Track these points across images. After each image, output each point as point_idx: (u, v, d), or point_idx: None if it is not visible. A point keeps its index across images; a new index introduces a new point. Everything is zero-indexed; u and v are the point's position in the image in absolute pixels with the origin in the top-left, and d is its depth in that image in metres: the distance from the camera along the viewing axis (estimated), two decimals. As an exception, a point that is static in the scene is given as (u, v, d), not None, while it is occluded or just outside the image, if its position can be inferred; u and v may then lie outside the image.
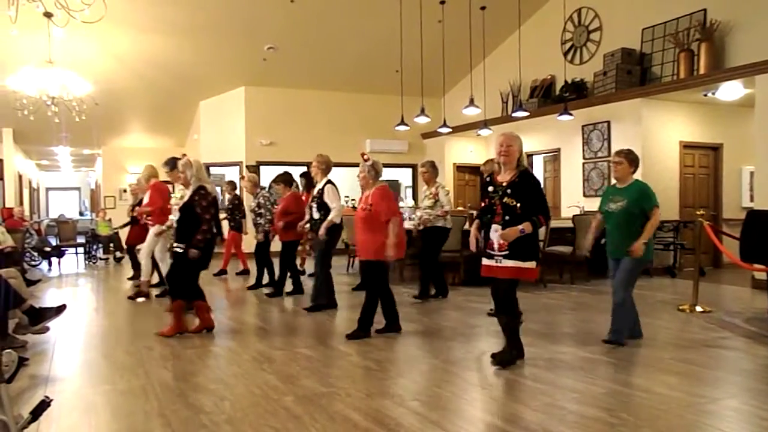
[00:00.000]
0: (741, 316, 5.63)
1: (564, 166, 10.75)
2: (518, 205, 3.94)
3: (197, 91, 12.71)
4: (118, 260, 12.59)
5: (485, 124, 10.29)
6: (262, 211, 7.89)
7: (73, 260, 12.61)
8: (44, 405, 2.51)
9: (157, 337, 5.15)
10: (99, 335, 5.47)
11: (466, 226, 7.52)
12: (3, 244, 7.92)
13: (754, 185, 8.39)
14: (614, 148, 9.67)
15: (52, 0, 6.53)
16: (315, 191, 6.37)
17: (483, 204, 4.17)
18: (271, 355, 4.56)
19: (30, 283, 8.12)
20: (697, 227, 6.36)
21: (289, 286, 7.34)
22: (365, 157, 5.17)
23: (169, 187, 7.81)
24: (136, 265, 9.22)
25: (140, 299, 7.14)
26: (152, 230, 7.20)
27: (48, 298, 7.54)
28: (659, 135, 9.34)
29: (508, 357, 4.09)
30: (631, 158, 4.72)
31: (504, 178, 4.08)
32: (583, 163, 10.21)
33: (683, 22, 8.65)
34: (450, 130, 10.65)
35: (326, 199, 6.13)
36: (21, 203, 14.71)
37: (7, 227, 9.05)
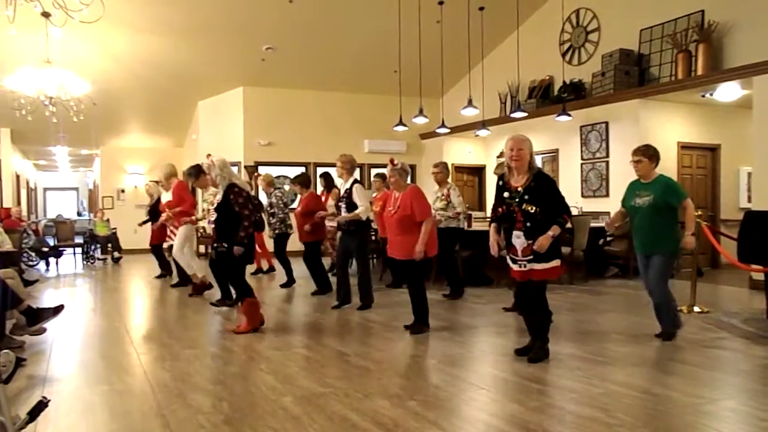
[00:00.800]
0: (739, 317, 5.63)
1: (562, 167, 10.77)
2: (538, 210, 3.97)
3: (195, 91, 12.71)
4: (116, 260, 12.58)
5: (483, 124, 10.30)
6: (275, 210, 7.98)
7: (71, 260, 12.59)
8: (42, 405, 2.51)
9: (154, 338, 5.14)
10: (97, 335, 5.46)
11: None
12: (0, 245, 7.90)
13: (752, 186, 8.41)
14: (612, 149, 9.71)
15: (50, 0, 6.52)
16: (342, 191, 6.45)
17: (501, 210, 4.18)
18: (269, 355, 4.56)
19: (27, 283, 8.12)
20: (694, 228, 6.35)
21: (313, 286, 7.44)
22: (394, 161, 5.32)
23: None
24: (163, 265, 9.26)
25: (206, 292, 7.28)
26: (181, 229, 7.31)
27: (46, 299, 7.53)
28: (657, 136, 9.33)
29: (542, 353, 4.18)
30: (650, 154, 4.77)
31: (518, 182, 4.08)
32: (582, 164, 10.23)
33: (681, 23, 8.66)
34: (448, 130, 10.65)
35: (355, 198, 6.19)
36: (18, 203, 14.68)
37: (4, 227, 9.03)
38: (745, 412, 3.26)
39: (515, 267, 4.19)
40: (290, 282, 8.01)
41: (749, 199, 9.32)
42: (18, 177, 15.56)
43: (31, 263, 11.43)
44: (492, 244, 4.32)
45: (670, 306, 4.76)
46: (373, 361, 4.33)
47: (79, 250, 12.81)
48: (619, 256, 8.86)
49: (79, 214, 24.74)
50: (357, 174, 6.63)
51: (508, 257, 4.26)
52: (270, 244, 8.27)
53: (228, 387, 3.78)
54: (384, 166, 7.17)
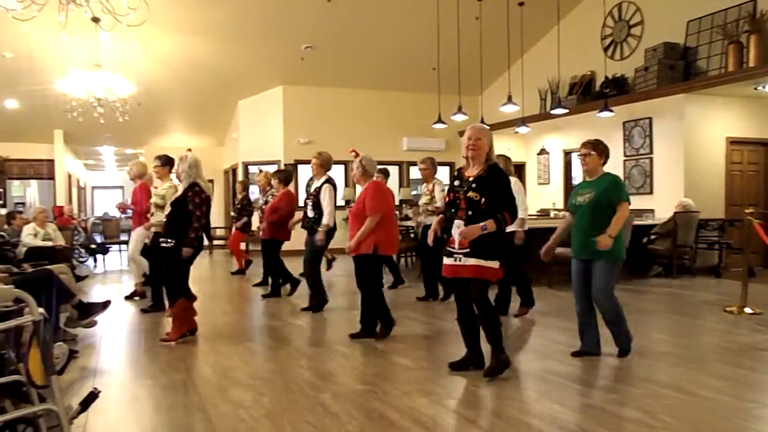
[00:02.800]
0: (792, 319, 5.41)
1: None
2: (483, 200, 3.70)
3: (236, 90, 12.94)
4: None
5: (523, 121, 10.16)
6: None
7: (116, 257, 12.99)
8: (93, 396, 2.60)
9: (197, 333, 5.27)
10: (141, 331, 5.62)
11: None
12: (54, 241, 8.22)
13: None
14: (656, 145, 9.45)
15: (100, 5, 6.74)
16: (312, 189, 6.22)
17: (448, 198, 3.96)
18: (309, 352, 4.62)
19: (78, 279, 8.41)
20: (745, 226, 6.15)
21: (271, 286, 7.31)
22: (354, 153, 5.07)
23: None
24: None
25: (136, 298, 7.14)
26: (137, 230, 7.05)
27: (94, 294, 7.80)
28: (703, 131, 9.06)
29: (500, 365, 3.81)
30: (600, 149, 4.36)
31: (471, 172, 3.86)
32: (624, 161, 9.98)
33: (732, 13, 8.35)
34: (488, 127, 10.54)
35: (322, 200, 5.94)
36: (70, 202, 15.25)
37: (58, 225, 9.40)
38: (799, 418, 3.14)
39: (448, 261, 3.83)
40: (290, 283, 7.66)
41: (804, 196, 8.94)
42: (70, 176, 16.16)
43: (81, 259, 11.85)
44: (430, 232, 4.14)
45: (621, 318, 4.27)
46: (412, 359, 4.33)
47: (124, 247, 13.19)
48: (663, 255, 8.62)
49: (123, 212, 25.46)
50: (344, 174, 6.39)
51: (445, 250, 3.89)
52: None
53: (268, 382, 3.85)
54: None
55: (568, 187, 11.93)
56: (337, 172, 8.91)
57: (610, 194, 4.17)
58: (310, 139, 12.75)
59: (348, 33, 10.75)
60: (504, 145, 13.12)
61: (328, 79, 12.44)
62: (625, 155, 9.96)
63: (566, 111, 9.82)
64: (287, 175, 7.65)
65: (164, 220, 5.24)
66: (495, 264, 3.73)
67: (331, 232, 6.06)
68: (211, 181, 13.01)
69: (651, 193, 9.45)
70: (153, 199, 6.41)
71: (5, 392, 2.48)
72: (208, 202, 5.17)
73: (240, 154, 13.44)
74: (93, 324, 5.08)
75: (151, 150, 15.54)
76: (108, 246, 12.69)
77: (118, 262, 12.37)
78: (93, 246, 12.27)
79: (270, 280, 7.44)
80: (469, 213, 3.72)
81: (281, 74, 12.29)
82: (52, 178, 14.78)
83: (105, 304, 5.03)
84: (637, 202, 9.60)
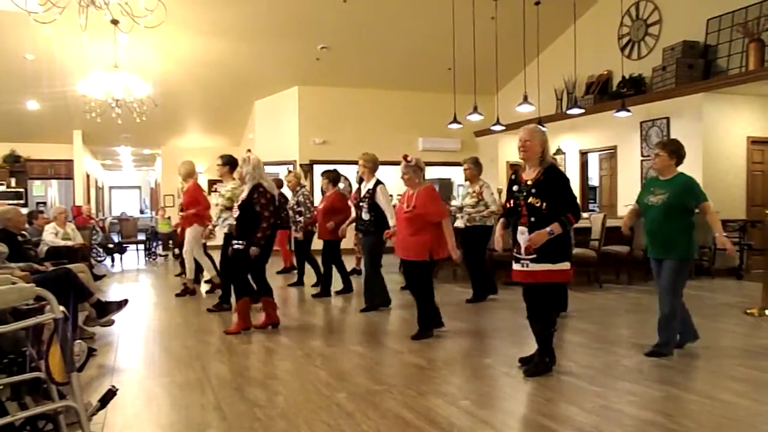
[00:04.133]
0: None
1: (621, 164, 10.43)
2: (544, 205, 3.69)
3: (252, 91, 13.01)
4: (177, 257, 13.01)
5: (539, 121, 10.08)
6: (302, 209, 7.86)
7: (134, 257, 13.14)
8: (111, 394, 2.63)
9: (213, 332, 5.31)
10: (158, 329, 5.67)
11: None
12: (73, 240, 8.33)
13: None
14: (682, 146, 9.30)
15: (119, 8, 6.82)
16: (363, 191, 6.24)
17: (508, 204, 3.97)
18: (324, 351, 4.63)
19: (96, 278, 8.52)
20: (766, 227, 6.05)
21: (338, 285, 7.36)
22: (408, 158, 5.09)
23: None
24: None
25: (186, 296, 7.32)
26: (191, 230, 7.23)
27: (112, 293, 7.89)
28: (723, 131, 8.92)
29: (542, 368, 3.86)
30: (671, 149, 4.36)
31: (529, 176, 3.83)
32: (641, 161, 9.87)
33: (753, 11, 8.24)
34: (503, 128, 10.50)
35: (379, 200, 6.02)
36: (88, 201, 15.44)
37: (75, 225, 9.52)
38: (822, 423, 3.08)
39: (516, 267, 3.88)
40: (323, 285, 7.74)
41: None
42: (88, 176, 16.36)
43: (99, 259, 11.99)
44: (496, 240, 4.13)
45: (674, 320, 4.28)
46: (427, 360, 4.32)
47: (141, 246, 13.35)
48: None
49: (141, 212, 25.76)
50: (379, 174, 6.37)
51: (512, 256, 3.95)
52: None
53: (283, 382, 3.86)
54: (437, 164, 7.12)
55: (585, 188, 11.83)
56: (351, 172, 8.88)
57: (683, 198, 4.22)
58: (326, 140, 12.79)
59: (363, 33, 10.76)
60: (519, 146, 13.05)
61: (343, 79, 12.47)
62: (643, 155, 9.85)
63: (582, 111, 9.74)
64: (336, 175, 7.64)
65: (234, 222, 5.36)
66: (565, 266, 3.77)
67: (383, 229, 6.08)
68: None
69: (669, 193, 9.32)
70: (220, 201, 6.46)
71: (26, 389, 2.51)
72: (274, 201, 5.31)
73: (256, 154, 13.49)
74: (111, 323, 5.14)
75: (168, 150, 15.72)
76: (125, 245, 12.84)
77: (136, 261, 12.52)
78: (110, 245, 12.41)
79: (320, 280, 7.50)
80: (532, 219, 3.74)
81: (297, 74, 12.34)
82: (71, 178, 14.99)
83: (121, 303, 5.09)
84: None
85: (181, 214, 7.72)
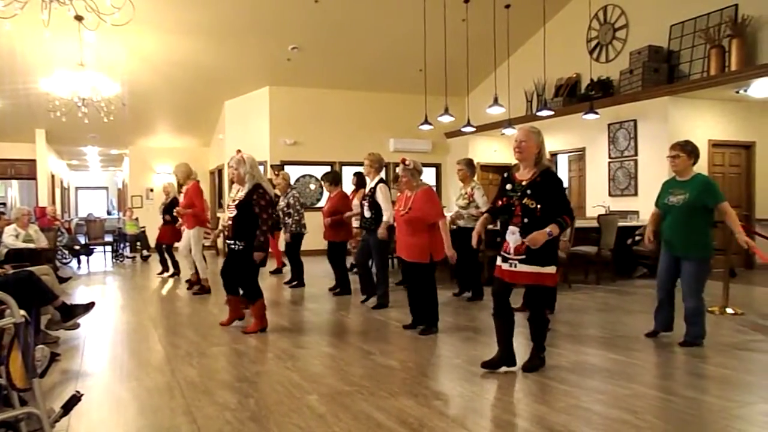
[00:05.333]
0: (773, 319, 5.49)
1: (589, 166, 10.63)
2: (538, 207, 3.70)
3: (222, 91, 12.86)
4: (145, 259, 12.80)
5: (510, 123, 10.22)
6: (291, 211, 7.93)
7: (101, 258, 12.86)
8: (75, 400, 2.57)
9: (182, 335, 5.23)
10: (126, 332, 5.56)
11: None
12: (36, 243, 8.11)
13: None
14: (641, 147, 9.55)
15: (83, 4, 6.67)
16: (367, 189, 6.44)
17: (500, 203, 3.95)
18: (295, 353, 4.59)
19: (62, 280, 8.31)
20: (727, 227, 6.21)
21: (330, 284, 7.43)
22: (405, 161, 5.19)
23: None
24: (163, 262, 9.56)
25: (205, 295, 7.41)
26: (193, 231, 7.41)
27: (78, 296, 7.71)
28: (687, 134, 9.11)
29: (538, 362, 3.97)
30: (689, 150, 4.49)
31: (524, 176, 3.84)
32: (609, 163, 10.08)
33: (714, 17, 8.47)
34: (474, 129, 10.60)
35: (378, 199, 6.17)
36: (53, 202, 15.06)
37: (39, 226, 9.27)
38: (780, 417, 3.18)
39: (504, 265, 3.87)
40: (300, 284, 7.99)
41: (785, 198, 9.08)
42: (53, 177, 15.97)
43: (64, 261, 11.71)
44: (474, 236, 4.09)
45: (703, 314, 4.54)
46: (398, 360, 4.33)
47: (108, 248, 13.09)
48: (648, 255, 8.69)
49: (108, 213, 25.26)
50: (383, 173, 6.61)
51: (499, 254, 3.96)
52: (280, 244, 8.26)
53: (254, 384, 3.82)
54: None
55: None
56: (320, 173, 8.85)
57: (704, 198, 4.38)
58: (297, 140, 12.72)
59: (335, 34, 10.74)
60: (490, 147, 13.21)
61: (314, 80, 12.42)
62: (610, 157, 10.05)
63: (552, 113, 9.89)
64: (335, 175, 7.71)
65: (229, 222, 5.28)
66: (552, 269, 3.78)
67: (391, 228, 6.19)
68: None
69: (636, 194, 9.54)
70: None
71: (-15, 396, 2.44)
72: (272, 203, 5.27)
73: (226, 155, 13.29)
74: (76, 326, 5.02)
75: (136, 150, 15.45)
76: (92, 247, 12.57)
77: (103, 263, 12.26)
78: (77, 247, 12.13)
79: (337, 280, 7.50)
80: (525, 221, 3.73)
81: (268, 75, 12.24)
82: (33, 178, 14.60)
83: (88, 306, 4.97)
84: (621, 204, 9.74)
85: (177, 213, 7.95)
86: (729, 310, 5.88)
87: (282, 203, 8.06)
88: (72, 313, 4.86)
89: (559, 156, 11.78)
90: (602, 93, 9.80)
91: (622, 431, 2.94)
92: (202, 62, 11.14)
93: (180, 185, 8.19)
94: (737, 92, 8.61)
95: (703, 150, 9.16)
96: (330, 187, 7.52)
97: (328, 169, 12.53)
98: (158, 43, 10.30)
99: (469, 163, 6.97)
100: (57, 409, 2.54)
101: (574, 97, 10.57)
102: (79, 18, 7.32)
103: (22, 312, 2.34)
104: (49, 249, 8.75)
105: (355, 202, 8.27)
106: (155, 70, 11.14)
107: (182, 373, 4.07)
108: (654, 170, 9.23)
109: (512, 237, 3.80)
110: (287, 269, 8.99)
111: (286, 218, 7.97)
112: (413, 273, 5.20)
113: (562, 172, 12.19)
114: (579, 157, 11.07)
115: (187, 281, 8.07)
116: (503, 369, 3.95)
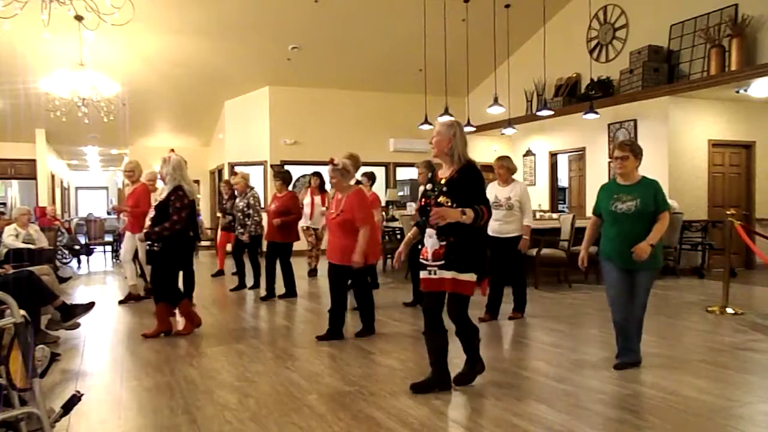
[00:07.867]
0: (773, 319, 5.49)
1: (589, 166, 10.63)
2: (454, 205, 3.33)
3: (222, 91, 12.86)
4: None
5: (509, 123, 10.22)
6: (251, 211, 7.66)
7: (101, 258, 12.86)
8: (75, 400, 2.57)
9: (181, 335, 5.22)
10: (126, 332, 5.56)
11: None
12: (36, 243, 8.11)
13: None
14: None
15: (83, 3, 6.67)
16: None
17: (419, 204, 3.63)
18: (295, 353, 4.60)
19: (62, 280, 8.32)
20: (726, 227, 6.23)
21: (281, 289, 7.18)
22: (334, 161, 4.96)
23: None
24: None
25: (131, 302, 7.08)
26: (139, 235, 7.00)
27: (78, 295, 7.70)
28: (687, 133, 9.17)
29: (471, 377, 3.67)
30: (636, 150, 4.05)
31: (443, 174, 3.51)
32: (609, 162, 10.07)
33: (714, 17, 8.47)
34: (474, 129, 10.60)
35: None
36: (53, 202, 15.06)
37: (40, 226, 9.27)
38: (780, 417, 3.18)
39: (424, 274, 3.50)
40: (256, 285, 7.75)
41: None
42: (53, 176, 15.96)
43: (64, 261, 11.71)
44: (396, 254, 3.81)
45: (640, 332, 4.09)
46: (399, 360, 4.33)
47: (108, 248, 13.08)
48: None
49: (108, 213, 25.25)
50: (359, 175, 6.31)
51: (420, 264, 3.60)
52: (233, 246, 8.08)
53: (254, 384, 3.82)
54: (408, 165, 7.12)
55: (554, 189, 12.02)
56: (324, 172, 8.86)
57: (658, 203, 3.95)
58: (297, 140, 12.73)
59: (335, 34, 10.73)
60: (490, 146, 13.21)
61: (314, 79, 12.42)
62: (610, 157, 10.04)
63: (552, 113, 9.89)
64: (288, 175, 7.49)
65: (149, 223, 5.16)
66: (471, 277, 3.39)
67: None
68: (197, 181, 12.86)
69: (635, 194, 9.53)
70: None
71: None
72: (192, 206, 5.15)
73: (226, 155, 13.37)
74: (76, 326, 5.02)
75: (136, 150, 15.41)
76: (92, 247, 12.57)
77: (103, 263, 12.25)
78: (77, 247, 12.12)
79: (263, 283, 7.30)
80: (440, 221, 3.34)
81: (268, 75, 12.25)
82: (33, 178, 14.60)
83: (88, 306, 4.97)
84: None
85: (116, 209, 7.91)
86: (729, 310, 5.88)
87: (241, 204, 7.76)
88: (72, 313, 4.87)
89: (559, 156, 11.79)
90: (602, 93, 9.80)
91: (622, 431, 2.94)
92: (202, 62, 11.14)
93: (133, 183, 7.52)
94: (737, 92, 8.61)
95: (702, 150, 9.23)
96: (281, 186, 7.30)
97: (326, 169, 12.58)
98: (158, 43, 10.29)
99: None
100: (57, 409, 2.54)
101: (574, 96, 10.56)
102: (79, 18, 7.31)
103: (22, 312, 2.34)
104: (49, 249, 8.75)
105: (306, 200, 8.26)
106: (155, 70, 11.14)
107: (182, 373, 4.07)
108: (654, 170, 9.19)
109: (429, 241, 3.46)
110: (229, 275, 8.86)
111: (246, 219, 7.66)
112: (347, 276, 5.00)
113: (562, 172, 12.22)
114: (579, 157, 11.07)
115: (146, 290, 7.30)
116: (479, 376, 3.71)
